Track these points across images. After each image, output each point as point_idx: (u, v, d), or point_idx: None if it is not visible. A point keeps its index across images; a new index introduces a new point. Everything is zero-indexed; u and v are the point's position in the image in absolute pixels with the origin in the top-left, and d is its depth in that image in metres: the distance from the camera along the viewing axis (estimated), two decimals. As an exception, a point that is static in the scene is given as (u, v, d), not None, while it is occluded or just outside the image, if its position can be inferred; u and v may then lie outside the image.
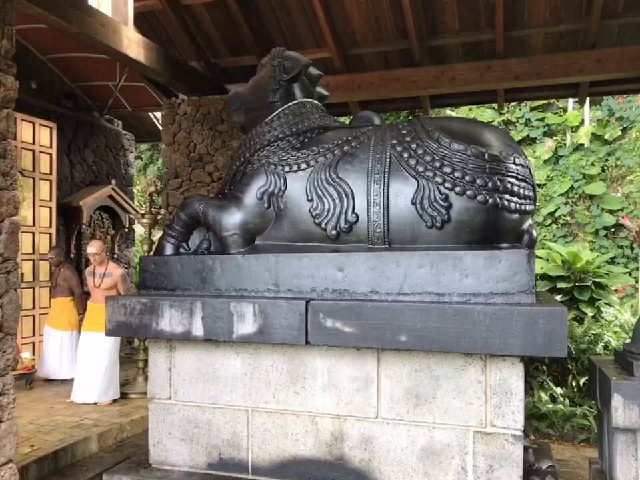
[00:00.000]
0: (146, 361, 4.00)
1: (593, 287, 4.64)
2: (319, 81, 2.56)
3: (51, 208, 5.26)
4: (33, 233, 5.02)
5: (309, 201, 2.09)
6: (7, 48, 2.25)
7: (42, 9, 3.18)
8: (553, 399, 3.82)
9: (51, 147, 5.28)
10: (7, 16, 2.26)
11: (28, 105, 5.08)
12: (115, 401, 3.88)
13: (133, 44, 4.10)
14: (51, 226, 5.25)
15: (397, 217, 1.97)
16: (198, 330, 2.00)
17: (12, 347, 2.24)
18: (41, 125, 5.15)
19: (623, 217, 7.44)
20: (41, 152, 5.15)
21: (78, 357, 3.89)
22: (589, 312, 4.49)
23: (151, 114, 7.06)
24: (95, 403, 3.77)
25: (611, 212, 7.97)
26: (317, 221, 2.07)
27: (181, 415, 2.16)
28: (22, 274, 4.71)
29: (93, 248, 3.92)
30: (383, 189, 1.97)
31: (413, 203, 1.94)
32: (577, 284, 4.65)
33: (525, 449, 1.90)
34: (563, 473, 2.85)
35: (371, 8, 4.53)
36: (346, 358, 1.98)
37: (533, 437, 2.52)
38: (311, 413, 2.01)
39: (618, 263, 7.34)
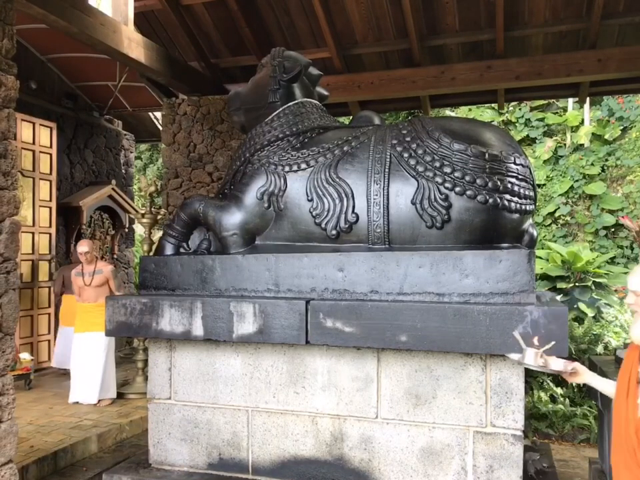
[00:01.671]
0: (145, 361, 3.99)
1: (593, 287, 4.63)
2: (318, 81, 2.56)
3: (50, 208, 5.25)
4: (33, 233, 5.02)
5: (309, 200, 2.09)
6: (7, 48, 2.25)
7: (42, 9, 3.18)
8: (553, 399, 3.82)
9: (51, 147, 5.28)
10: (7, 16, 2.26)
11: (28, 105, 5.08)
12: (113, 400, 3.87)
13: (133, 44, 4.10)
14: (50, 226, 5.24)
15: (396, 216, 1.97)
16: (198, 330, 2.00)
17: (11, 347, 2.24)
18: (41, 125, 5.15)
19: (623, 217, 7.43)
20: (41, 152, 5.14)
21: (73, 358, 3.88)
22: (589, 312, 4.48)
23: (150, 114, 7.05)
24: (95, 404, 3.77)
25: (611, 212, 7.95)
26: (317, 221, 2.07)
27: (180, 415, 2.16)
28: (21, 274, 4.71)
29: (84, 247, 3.93)
30: (383, 189, 1.97)
31: (413, 203, 1.94)
32: (576, 284, 4.65)
33: (525, 448, 1.90)
34: (562, 473, 2.84)
35: (370, 8, 4.53)
36: (346, 358, 1.98)
37: (535, 438, 2.52)
38: (311, 413, 2.01)
39: (618, 263, 7.33)
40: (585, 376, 1.47)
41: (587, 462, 2.61)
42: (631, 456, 1.29)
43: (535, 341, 1.50)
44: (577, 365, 1.47)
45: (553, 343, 1.50)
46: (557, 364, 1.46)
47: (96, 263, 3.96)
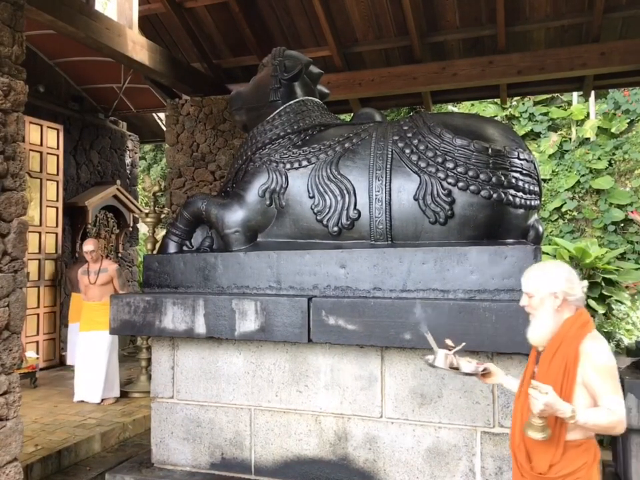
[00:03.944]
0: (149, 360, 4.00)
1: (603, 283, 4.55)
2: (319, 79, 2.55)
3: (57, 208, 5.30)
4: (40, 233, 5.06)
5: (310, 197, 2.07)
6: (17, 54, 2.29)
7: (51, 16, 3.24)
8: (562, 399, 3.74)
9: (57, 148, 5.32)
10: (17, 23, 2.31)
11: (36, 108, 5.14)
12: (117, 399, 3.89)
13: (138, 47, 4.12)
14: (57, 226, 5.28)
15: (399, 212, 1.95)
16: (200, 327, 1.99)
17: (18, 346, 2.24)
18: (48, 127, 5.20)
19: (632, 212, 7.31)
20: (48, 153, 5.19)
21: (77, 356, 3.90)
22: (600, 309, 4.40)
23: (154, 115, 7.09)
24: (99, 403, 3.79)
25: (620, 207, 7.82)
26: (318, 218, 2.05)
27: (183, 414, 2.15)
28: (28, 273, 4.76)
29: (90, 246, 3.96)
30: (385, 185, 1.95)
31: (416, 199, 1.92)
32: (585, 280, 4.56)
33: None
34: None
35: (370, 6, 4.50)
36: (349, 356, 1.96)
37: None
38: (314, 412, 1.99)
39: (629, 259, 7.19)
40: (498, 377, 1.42)
41: (600, 464, 2.54)
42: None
43: (449, 341, 1.43)
44: (489, 365, 1.42)
45: (463, 344, 1.42)
46: (467, 366, 1.40)
47: (101, 261, 3.99)
